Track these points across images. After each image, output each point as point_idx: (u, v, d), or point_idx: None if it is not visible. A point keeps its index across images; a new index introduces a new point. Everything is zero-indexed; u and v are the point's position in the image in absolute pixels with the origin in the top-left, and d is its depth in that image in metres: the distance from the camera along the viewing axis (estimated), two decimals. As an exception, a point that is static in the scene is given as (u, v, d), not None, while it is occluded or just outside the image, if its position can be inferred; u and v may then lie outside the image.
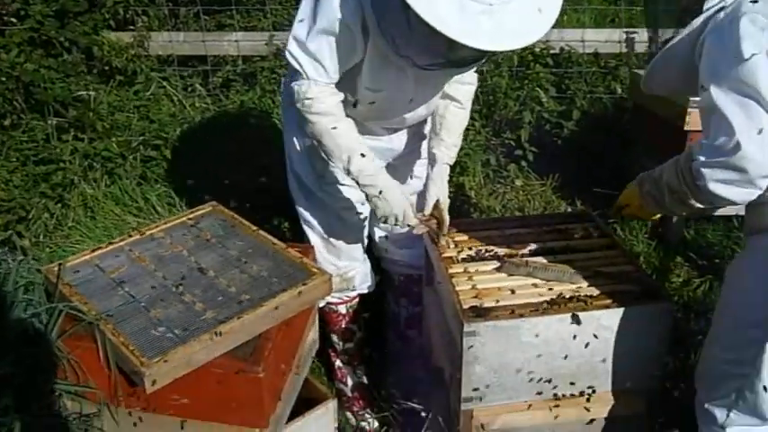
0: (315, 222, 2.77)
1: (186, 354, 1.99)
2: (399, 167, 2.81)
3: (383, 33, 2.17)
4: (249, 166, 3.87)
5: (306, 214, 2.77)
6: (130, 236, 2.57)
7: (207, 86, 4.76)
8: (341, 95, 2.37)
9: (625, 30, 4.60)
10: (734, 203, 1.81)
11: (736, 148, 1.66)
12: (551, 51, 4.49)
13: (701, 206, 1.86)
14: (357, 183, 2.42)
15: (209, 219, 2.68)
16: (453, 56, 2.14)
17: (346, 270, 2.81)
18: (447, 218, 2.53)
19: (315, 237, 2.78)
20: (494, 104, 4.27)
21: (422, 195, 2.63)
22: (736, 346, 1.99)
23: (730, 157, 1.68)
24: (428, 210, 2.54)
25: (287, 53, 2.32)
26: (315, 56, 2.25)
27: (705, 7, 1.86)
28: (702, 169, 1.74)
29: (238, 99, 4.54)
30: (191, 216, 2.68)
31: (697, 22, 1.87)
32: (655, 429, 2.58)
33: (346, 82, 2.38)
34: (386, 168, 2.71)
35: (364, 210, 2.80)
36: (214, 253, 2.47)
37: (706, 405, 2.10)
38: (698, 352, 2.92)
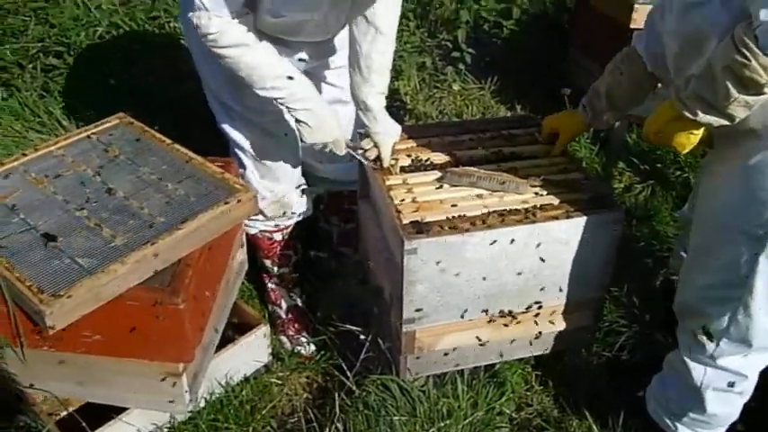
0: (245, 144, 2.47)
1: (93, 287, 1.76)
2: (312, 76, 2.54)
3: None
4: (165, 72, 3.53)
5: (233, 134, 2.47)
6: (25, 155, 2.27)
7: (114, -15, 4.29)
8: (242, 21, 2.06)
9: None
10: None
11: None
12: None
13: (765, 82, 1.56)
14: (286, 107, 2.18)
15: (116, 132, 2.39)
16: None
17: (283, 193, 2.57)
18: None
19: (247, 160, 2.50)
20: (429, 3, 4.01)
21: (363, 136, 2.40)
22: (723, 268, 1.85)
23: None
24: (387, 163, 2.33)
25: None
26: None
27: None
28: None
29: (150, 1, 4.11)
30: (95, 130, 2.39)
31: None
32: (598, 339, 2.53)
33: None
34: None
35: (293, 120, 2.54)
36: (123, 171, 2.20)
37: (694, 333, 1.96)
38: (640, 259, 2.91)
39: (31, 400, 2.11)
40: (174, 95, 3.40)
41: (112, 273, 1.79)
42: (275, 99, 2.16)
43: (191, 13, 2.02)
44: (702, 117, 1.68)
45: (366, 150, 2.35)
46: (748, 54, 1.51)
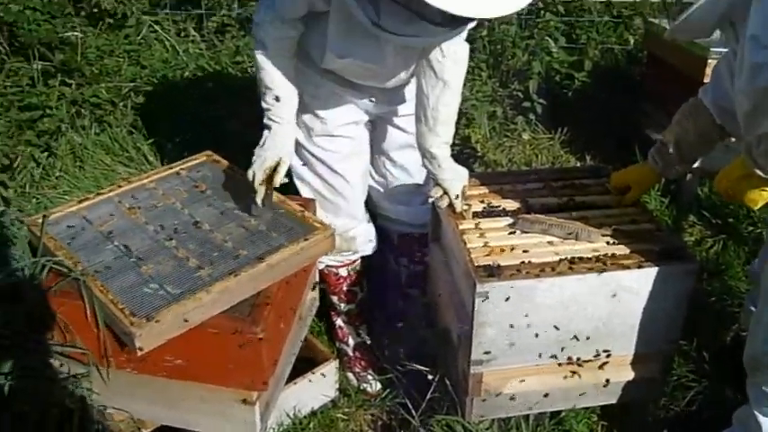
0: (308, 177, 2.60)
1: (179, 313, 1.86)
2: (379, 123, 2.66)
3: (357, 1, 1.96)
4: (246, 114, 3.68)
5: (298, 169, 2.60)
6: (120, 186, 2.42)
7: (201, 31, 4.54)
8: (289, 29, 2.22)
9: (639, -23, 4.39)
10: None
11: None
12: (562, -1, 4.29)
13: None
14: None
15: (203, 169, 2.53)
16: (426, 24, 1.89)
17: (346, 230, 2.66)
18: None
19: (309, 193, 2.62)
20: (501, 54, 4.08)
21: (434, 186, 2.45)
22: None
23: None
24: (459, 207, 2.37)
25: None
26: None
27: None
28: None
29: (234, 45, 4.34)
30: (184, 166, 2.53)
31: None
32: (667, 392, 2.49)
33: (313, 39, 2.26)
34: (367, 123, 2.61)
35: (361, 162, 2.65)
36: (209, 205, 2.34)
37: (764, 387, 1.95)
38: (711, 313, 2.87)
39: (109, 420, 2.20)
40: (254, 136, 3.54)
41: (198, 301, 1.89)
42: (262, 102, 2.32)
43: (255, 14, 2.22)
44: None
45: (438, 198, 2.41)
46: None
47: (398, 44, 2.18)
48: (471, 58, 3.91)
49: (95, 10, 4.39)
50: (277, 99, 2.28)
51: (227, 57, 4.26)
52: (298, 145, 2.54)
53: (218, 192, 2.39)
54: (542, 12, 4.20)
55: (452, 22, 1.84)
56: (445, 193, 2.40)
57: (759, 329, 1.98)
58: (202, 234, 2.18)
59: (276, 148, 2.27)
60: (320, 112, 2.48)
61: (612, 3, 4.44)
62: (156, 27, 4.45)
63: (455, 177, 2.41)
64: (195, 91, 4.00)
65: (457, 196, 2.38)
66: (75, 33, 3.98)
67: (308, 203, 2.41)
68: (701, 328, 2.69)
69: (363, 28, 2.03)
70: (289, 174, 2.63)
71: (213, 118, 3.80)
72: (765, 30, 1.61)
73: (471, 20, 1.90)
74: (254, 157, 2.28)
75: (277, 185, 2.27)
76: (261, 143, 2.31)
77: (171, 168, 2.53)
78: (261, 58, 2.25)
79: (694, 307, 2.38)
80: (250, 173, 2.25)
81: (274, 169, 2.26)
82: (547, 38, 4.10)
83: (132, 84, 3.99)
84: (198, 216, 2.26)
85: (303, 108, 2.45)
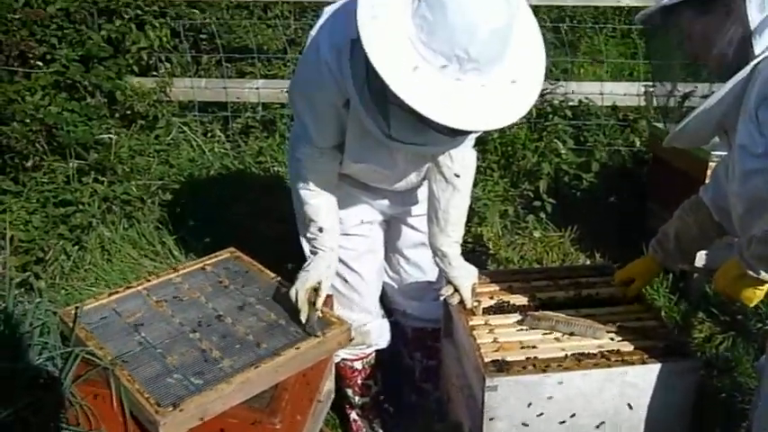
0: None
1: (202, 403, 1.95)
2: (393, 223, 2.81)
3: (367, 112, 2.13)
4: (268, 212, 3.87)
5: None
6: (148, 280, 2.56)
7: (226, 132, 4.80)
8: (329, 161, 2.39)
9: (643, 83, 4.61)
10: None
11: None
12: (570, 103, 4.50)
13: None
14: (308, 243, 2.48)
15: (227, 265, 2.67)
16: (433, 134, 2.04)
17: (360, 324, 2.76)
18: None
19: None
20: (512, 155, 4.28)
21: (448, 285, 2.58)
22: None
23: None
24: (470, 303, 2.49)
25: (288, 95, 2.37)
26: (304, 122, 2.32)
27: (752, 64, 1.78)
28: None
29: (257, 145, 4.57)
30: (209, 262, 2.67)
31: (738, 78, 1.78)
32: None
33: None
34: (382, 222, 2.76)
35: (376, 259, 2.78)
36: (232, 299, 2.45)
37: None
38: (720, 410, 2.90)
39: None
40: (274, 233, 3.70)
41: (219, 391, 1.98)
42: (306, 231, 2.46)
43: (293, 137, 2.39)
44: (765, 276, 1.81)
45: (449, 295, 2.52)
46: None
47: (408, 152, 2.35)
48: (483, 159, 4.13)
49: (129, 112, 4.68)
50: (320, 230, 2.42)
51: (250, 157, 4.49)
52: None
53: (241, 287, 2.52)
54: (551, 115, 4.42)
55: (456, 132, 1.98)
56: (456, 290, 2.51)
57: (763, 425, 2.03)
58: (225, 327, 2.29)
59: (318, 270, 2.38)
60: (341, 213, 2.60)
61: (618, 107, 4.65)
62: (185, 128, 4.72)
63: (465, 275, 2.52)
64: (220, 189, 4.20)
65: (467, 293, 2.50)
66: (110, 135, 4.24)
67: (327, 299, 2.52)
68: (710, 424, 2.72)
69: (375, 143, 2.22)
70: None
71: (236, 215, 3.98)
72: (752, 139, 1.76)
73: (471, 132, 2.08)
74: (298, 277, 2.37)
75: (319, 307, 2.31)
76: (305, 265, 2.42)
77: (196, 264, 2.67)
78: (303, 192, 2.40)
79: (704, 403, 2.44)
80: (292, 292, 2.32)
81: (315, 290, 2.34)
82: (556, 140, 4.30)
83: (161, 182, 4.21)
84: (221, 309, 2.38)
85: None
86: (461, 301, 2.50)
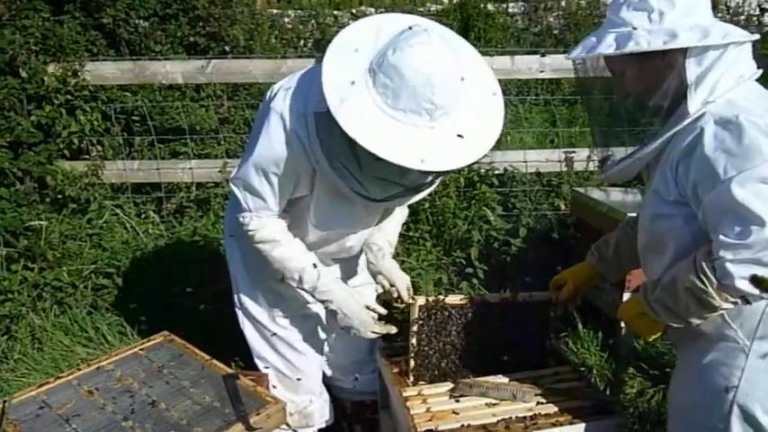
0: (270, 358, 2.75)
1: (135, 493, 1.93)
2: (344, 263, 2.85)
3: (338, 173, 2.25)
4: (203, 293, 3.86)
5: (259, 350, 2.75)
6: (79, 369, 2.53)
7: (160, 213, 4.79)
8: (285, 220, 2.46)
9: (564, 150, 4.85)
10: (760, 298, 1.81)
11: (766, 243, 1.71)
12: (496, 171, 4.68)
13: (725, 307, 1.83)
14: (313, 296, 2.51)
15: (160, 349, 2.66)
16: (407, 180, 2.27)
17: (305, 405, 2.78)
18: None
19: (270, 372, 2.75)
20: (443, 224, 4.40)
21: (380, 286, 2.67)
22: None
23: (762, 254, 1.71)
24: (407, 296, 2.59)
25: (231, 185, 2.42)
26: (255, 190, 2.36)
27: (679, 125, 1.88)
28: (730, 267, 1.74)
29: (192, 225, 4.58)
30: (142, 347, 2.66)
31: (673, 130, 1.89)
32: None
33: (293, 219, 2.48)
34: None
35: (319, 339, 2.82)
36: (166, 384, 2.45)
37: None
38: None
39: None
40: (211, 313, 3.70)
41: (153, 480, 1.97)
42: (303, 289, 2.48)
43: (238, 214, 2.42)
44: (665, 320, 1.95)
45: (386, 290, 2.61)
46: (706, 282, 1.79)
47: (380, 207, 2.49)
48: (416, 229, 4.24)
49: (60, 197, 4.64)
50: (314, 266, 2.47)
51: (185, 237, 4.49)
52: (260, 326, 2.71)
53: (175, 370, 2.51)
54: (479, 184, 4.58)
55: (443, 173, 2.26)
56: (392, 284, 2.59)
57: None
58: (158, 413, 2.28)
59: (356, 307, 2.51)
60: (285, 293, 2.66)
61: (542, 173, 4.86)
62: (118, 210, 4.69)
63: (399, 273, 2.62)
64: (154, 271, 4.17)
65: (403, 287, 2.59)
66: (40, 221, 4.19)
67: (261, 378, 2.55)
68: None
69: (343, 200, 2.34)
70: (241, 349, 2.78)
71: (172, 296, 3.95)
72: (667, 187, 1.90)
73: (445, 173, 2.23)
74: (352, 328, 2.52)
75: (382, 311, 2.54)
76: (340, 321, 2.52)
77: (129, 349, 2.65)
78: (278, 252, 2.44)
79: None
80: (369, 334, 2.51)
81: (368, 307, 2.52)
82: (484, 208, 4.45)
83: (93, 266, 4.15)
84: (155, 395, 2.36)
85: (267, 291, 2.65)
86: (399, 297, 2.59)
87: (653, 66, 1.90)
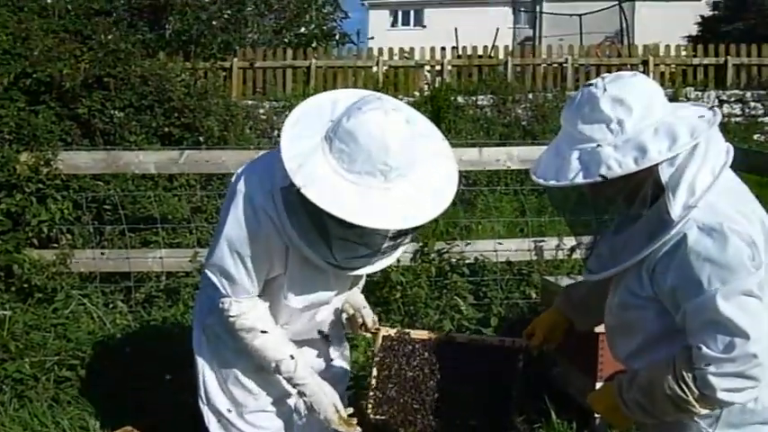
0: None
1: None
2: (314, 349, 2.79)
3: (307, 244, 2.27)
4: (170, 385, 3.76)
5: None
6: (38, 468, 2.43)
7: (129, 302, 4.72)
8: (264, 305, 2.44)
9: (533, 240, 4.92)
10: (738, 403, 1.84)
11: (751, 357, 1.73)
12: (467, 261, 4.72)
13: (703, 413, 1.85)
14: (289, 382, 2.49)
15: (123, 445, 2.57)
16: (370, 242, 2.30)
17: None
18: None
19: None
20: (415, 314, 4.39)
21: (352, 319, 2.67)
22: None
23: (745, 367, 1.74)
24: (371, 323, 2.60)
25: (207, 272, 2.41)
26: (230, 274, 2.35)
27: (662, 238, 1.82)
28: (712, 380, 1.76)
29: (161, 315, 4.51)
30: (105, 443, 2.57)
31: (659, 242, 1.83)
32: None
33: (266, 298, 2.46)
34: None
35: None
36: (128, 483, 2.35)
37: None
38: None
39: None
40: (179, 406, 3.59)
41: None
42: (281, 375, 2.46)
43: (218, 300, 2.40)
44: (638, 418, 1.95)
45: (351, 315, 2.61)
46: (687, 392, 1.81)
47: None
48: (387, 319, 4.22)
49: (26, 285, 4.56)
50: (292, 357, 2.44)
51: (153, 327, 4.41)
52: (226, 422, 2.63)
53: (138, 468, 2.42)
54: (450, 273, 4.61)
55: (402, 232, 2.28)
56: (356, 311, 2.62)
57: None
58: None
59: (326, 403, 2.46)
60: (254, 388, 2.60)
61: (512, 262, 4.91)
62: (85, 300, 4.60)
63: (364, 301, 2.66)
64: (121, 362, 4.05)
65: (368, 313, 2.62)
66: (4, 312, 4.10)
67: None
68: None
69: (316, 271, 2.36)
70: None
71: (138, 389, 3.84)
72: (641, 284, 1.91)
73: (411, 231, 2.30)
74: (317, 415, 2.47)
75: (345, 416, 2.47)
76: (308, 409, 2.49)
77: (91, 446, 2.56)
78: (259, 342, 2.42)
79: None
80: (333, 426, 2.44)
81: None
82: (456, 297, 4.47)
83: (57, 357, 4.03)
84: (116, 495, 2.27)
85: (236, 385, 2.59)
86: (363, 324, 2.59)
87: (626, 178, 1.82)
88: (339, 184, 2.11)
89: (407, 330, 2.56)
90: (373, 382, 2.46)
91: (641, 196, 1.87)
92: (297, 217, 2.24)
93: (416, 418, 2.46)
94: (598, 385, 3.49)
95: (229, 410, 2.61)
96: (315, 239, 2.27)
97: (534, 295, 4.72)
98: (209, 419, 2.65)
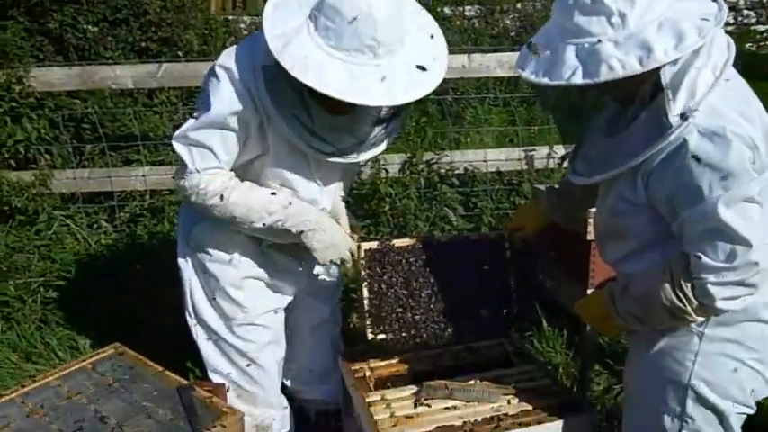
0: (226, 370, 2.63)
1: None
2: (297, 304, 2.77)
3: (288, 125, 2.21)
4: (157, 303, 3.72)
5: (215, 363, 2.64)
6: (23, 386, 2.39)
7: (113, 222, 4.63)
8: (232, 173, 2.35)
9: (524, 148, 4.82)
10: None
11: (752, 265, 1.69)
12: (456, 171, 4.64)
13: (699, 321, 1.84)
14: (288, 230, 2.38)
15: (110, 362, 2.54)
16: (356, 126, 2.28)
17: (263, 418, 2.68)
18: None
19: (227, 386, 2.63)
20: (404, 226, 4.33)
21: None
22: None
23: (746, 275, 1.70)
24: (347, 228, 2.54)
25: (174, 144, 2.30)
26: (203, 144, 2.26)
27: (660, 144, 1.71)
28: (712, 289, 1.72)
29: (146, 234, 4.43)
30: (91, 360, 2.54)
31: (659, 145, 1.72)
32: None
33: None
34: (286, 308, 2.72)
35: (279, 350, 2.72)
36: (117, 398, 2.33)
37: None
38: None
39: None
40: (167, 325, 3.56)
41: (102, 501, 1.85)
42: (276, 224, 2.36)
43: (181, 180, 2.30)
44: (630, 327, 1.91)
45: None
46: (685, 301, 1.77)
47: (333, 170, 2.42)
48: (376, 232, 4.16)
49: (6, 208, 4.45)
50: (273, 194, 2.36)
51: (139, 246, 4.34)
52: (215, 336, 2.60)
53: (126, 384, 2.39)
54: (439, 184, 4.53)
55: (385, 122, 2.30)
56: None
57: None
58: (109, 430, 2.16)
59: (334, 224, 2.43)
60: (243, 301, 2.56)
61: (503, 172, 4.83)
62: (68, 221, 4.52)
63: (344, 209, 2.61)
64: (107, 282, 4.01)
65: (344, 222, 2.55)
66: (-16, 236, 4.02)
67: (218, 389, 2.43)
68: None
69: (300, 158, 2.31)
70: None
71: (125, 309, 3.81)
72: (633, 191, 1.83)
73: (402, 110, 2.31)
74: (333, 250, 2.41)
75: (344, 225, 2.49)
76: (318, 245, 2.39)
77: (77, 363, 2.52)
78: (236, 195, 2.31)
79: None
80: (349, 252, 2.42)
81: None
82: (445, 208, 4.40)
83: (42, 278, 3.99)
84: (104, 411, 2.25)
85: (224, 298, 2.54)
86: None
87: (625, 78, 1.68)
88: (327, 62, 2.04)
89: (389, 241, 2.48)
90: (366, 302, 2.39)
91: (639, 97, 1.76)
92: (278, 96, 2.18)
93: (421, 329, 2.42)
94: (589, 293, 3.49)
95: (218, 324, 2.58)
96: (297, 121, 2.21)
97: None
98: (198, 333, 2.62)
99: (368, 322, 2.38)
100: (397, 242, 2.48)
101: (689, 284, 1.76)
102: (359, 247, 2.44)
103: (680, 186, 1.72)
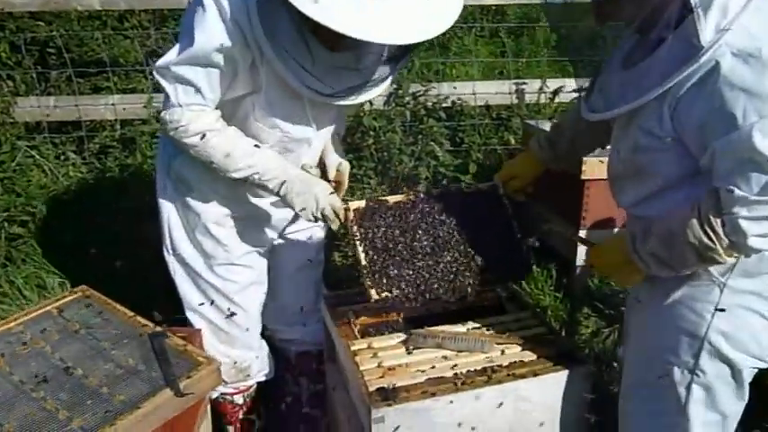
0: (203, 309, 2.49)
1: (46, 476, 1.68)
2: (278, 245, 2.63)
3: (284, 63, 2.03)
4: (131, 242, 3.54)
5: (192, 301, 2.50)
6: (-18, 332, 2.23)
7: (82, 154, 4.39)
8: (217, 113, 2.17)
9: (515, 81, 4.62)
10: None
11: None
12: (443, 105, 4.43)
13: (729, 262, 1.68)
14: (265, 186, 2.24)
15: (77, 306, 2.38)
16: (360, 64, 2.11)
17: (241, 360, 2.55)
18: (347, 182, 2.45)
19: (204, 325, 2.51)
20: (389, 161, 4.14)
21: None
22: (658, 396, 1.88)
23: None
24: (332, 174, 2.42)
25: (156, 75, 2.11)
26: (188, 80, 2.07)
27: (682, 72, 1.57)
28: (744, 224, 1.56)
29: (117, 166, 4.21)
30: (56, 304, 2.37)
31: (687, 70, 1.57)
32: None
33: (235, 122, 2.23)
34: (267, 250, 2.58)
35: (259, 291, 2.59)
36: (83, 345, 2.18)
37: None
38: (613, 402, 2.87)
39: None
40: (139, 264, 3.40)
41: (67, 459, 1.72)
42: (252, 176, 2.21)
43: (163, 111, 2.12)
44: (655, 271, 1.75)
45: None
46: (714, 239, 1.60)
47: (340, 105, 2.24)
48: (359, 167, 3.98)
49: (-34, 138, 4.20)
50: (257, 146, 2.21)
51: (109, 180, 4.13)
52: (194, 274, 2.46)
53: (93, 330, 2.23)
54: (425, 118, 4.33)
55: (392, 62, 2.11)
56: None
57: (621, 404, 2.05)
58: (74, 380, 2.01)
59: (313, 179, 2.28)
60: (224, 239, 2.42)
61: (491, 106, 4.63)
62: (33, 152, 4.27)
63: (334, 153, 2.51)
64: (76, 218, 3.82)
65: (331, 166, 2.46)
66: (-58, 166, 3.78)
67: (193, 335, 2.29)
68: (607, 418, 2.68)
69: (294, 98, 2.15)
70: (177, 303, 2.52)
71: (95, 242, 3.63)
72: (660, 123, 1.65)
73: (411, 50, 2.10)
74: (304, 214, 2.26)
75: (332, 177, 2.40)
76: (297, 198, 2.24)
77: (41, 308, 2.35)
78: (217, 140, 2.15)
79: (598, 400, 2.38)
80: (329, 203, 2.26)
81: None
82: (432, 143, 4.21)
83: (6, 213, 3.77)
84: (70, 360, 2.09)
85: (205, 235, 2.40)
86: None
87: None
88: None
89: (380, 197, 2.31)
90: (363, 261, 2.21)
91: (665, 18, 1.58)
92: (274, 33, 1.99)
93: (430, 283, 2.25)
94: (582, 233, 3.37)
95: (197, 261, 2.43)
96: (293, 60, 2.03)
97: (513, 141, 4.49)
98: (175, 269, 2.47)
99: (368, 282, 2.19)
100: (389, 198, 2.31)
101: (719, 220, 1.60)
102: (346, 210, 2.27)
103: (711, 114, 1.56)
